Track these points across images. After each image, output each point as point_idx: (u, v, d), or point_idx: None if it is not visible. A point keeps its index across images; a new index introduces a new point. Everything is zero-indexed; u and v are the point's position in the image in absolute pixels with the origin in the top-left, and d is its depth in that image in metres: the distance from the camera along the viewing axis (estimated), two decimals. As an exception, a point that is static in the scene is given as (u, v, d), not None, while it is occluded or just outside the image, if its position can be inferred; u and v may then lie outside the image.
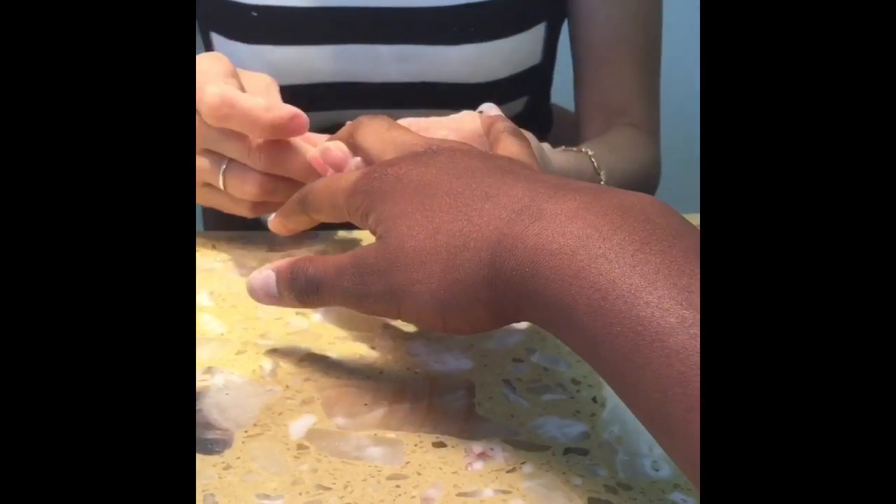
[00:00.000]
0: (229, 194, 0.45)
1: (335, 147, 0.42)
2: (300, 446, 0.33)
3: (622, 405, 0.27)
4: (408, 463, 0.33)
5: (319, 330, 0.41)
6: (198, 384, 0.36)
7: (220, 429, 0.34)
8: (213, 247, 0.48)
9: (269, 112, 0.41)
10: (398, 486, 0.31)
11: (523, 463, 0.33)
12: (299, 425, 0.34)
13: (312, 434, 0.34)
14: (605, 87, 0.70)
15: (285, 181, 0.44)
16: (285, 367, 0.38)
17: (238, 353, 0.39)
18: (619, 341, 0.26)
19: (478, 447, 0.33)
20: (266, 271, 0.36)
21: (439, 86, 0.67)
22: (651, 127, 0.71)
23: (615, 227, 0.27)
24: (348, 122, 0.42)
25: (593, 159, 0.58)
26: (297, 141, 0.44)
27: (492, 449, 0.33)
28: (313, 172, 0.43)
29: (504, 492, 0.31)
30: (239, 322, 0.41)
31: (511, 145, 0.38)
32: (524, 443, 0.34)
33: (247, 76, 0.47)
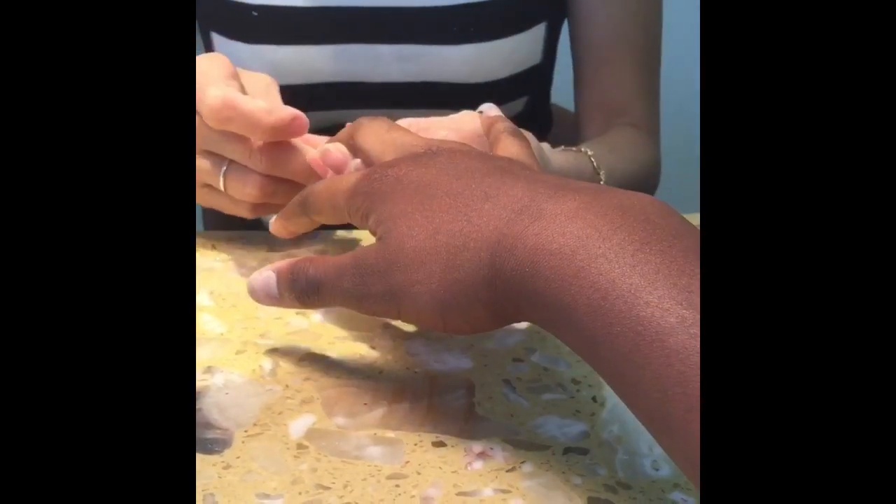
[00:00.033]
0: (229, 195, 0.45)
1: (335, 149, 0.42)
2: (300, 446, 0.33)
3: (622, 405, 0.27)
4: (407, 462, 0.33)
5: (319, 330, 0.41)
6: (198, 384, 0.36)
7: (219, 428, 0.34)
8: (213, 247, 0.48)
9: (271, 115, 0.41)
10: (398, 486, 0.31)
11: (523, 462, 0.33)
12: (299, 425, 0.34)
13: (312, 434, 0.34)
14: (605, 87, 0.70)
15: (285, 183, 0.44)
16: (285, 366, 0.38)
17: (238, 352, 0.39)
18: (619, 341, 0.26)
19: (477, 447, 0.33)
20: (266, 272, 0.36)
21: (439, 86, 0.67)
22: (651, 127, 0.71)
23: (615, 227, 0.27)
24: (348, 124, 0.42)
25: (593, 159, 0.59)
26: (298, 143, 0.44)
27: (491, 448, 0.33)
28: (313, 174, 0.43)
29: (504, 491, 0.31)
30: (239, 322, 0.41)
31: (511, 146, 0.38)
32: (524, 442, 0.34)
33: (247, 76, 0.47)
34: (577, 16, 0.70)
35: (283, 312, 0.42)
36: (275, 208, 0.45)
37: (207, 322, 0.41)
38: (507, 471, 0.32)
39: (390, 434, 0.34)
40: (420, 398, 0.36)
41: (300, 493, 0.31)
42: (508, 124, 0.40)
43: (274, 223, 0.43)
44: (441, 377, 0.38)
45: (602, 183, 0.57)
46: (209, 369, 0.37)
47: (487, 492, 0.31)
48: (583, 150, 0.59)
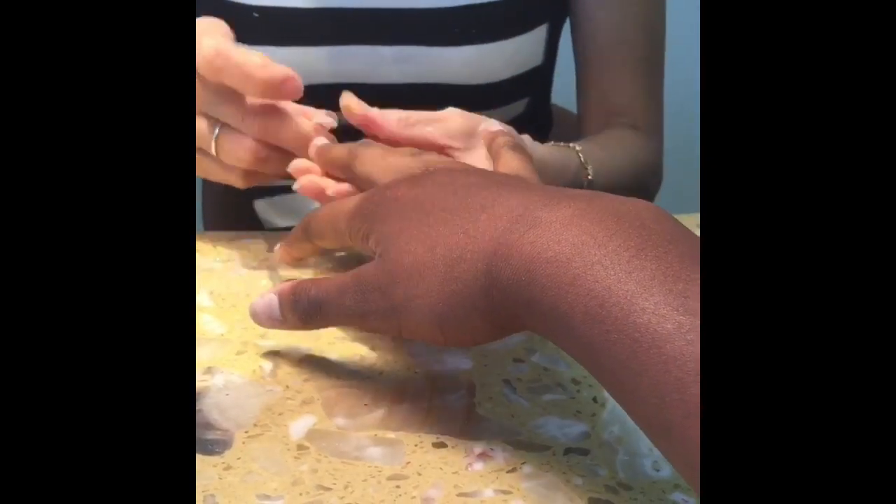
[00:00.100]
0: (221, 161, 0.45)
1: (325, 115, 0.44)
2: (300, 447, 0.33)
3: (622, 405, 0.27)
4: (408, 463, 0.33)
5: (319, 330, 0.41)
6: (198, 384, 0.36)
7: (220, 429, 0.34)
8: (213, 247, 0.48)
9: (264, 69, 0.41)
10: (398, 487, 0.31)
11: (523, 463, 0.33)
12: (299, 426, 0.34)
13: (312, 434, 0.34)
14: (607, 88, 0.70)
15: (277, 151, 0.44)
16: (285, 367, 0.38)
17: (238, 353, 0.39)
18: (616, 348, 0.26)
19: (478, 447, 0.33)
20: (268, 296, 0.36)
21: (440, 87, 0.67)
22: (652, 128, 0.71)
23: (610, 234, 0.27)
24: (346, 147, 0.43)
25: (580, 154, 0.58)
26: (292, 110, 0.44)
27: (492, 449, 0.33)
28: (305, 142, 0.44)
29: (504, 492, 0.31)
30: (239, 322, 0.41)
31: (511, 160, 0.39)
32: (524, 443, 0.34)
33: (243, 49, 0.47)
34: (579, 17, 0.70)
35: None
36: (266, 178, 0.46)
37: (207, 322, 0.41)
38: (508, 471, 0.32)
39: (391, 435, 0.34)
40: (420, 399, 0.36)
41: (301, 494, 0.31)
42: (509, 139, 0.41)
43: (278, 251, 0.44)
44: (441, 378, 0.38)
45: (590, 178, 0.56)
46: (209, 370, 0.37)
47: (488, 492, 0.31)
48: (571, 145, 0.59)
